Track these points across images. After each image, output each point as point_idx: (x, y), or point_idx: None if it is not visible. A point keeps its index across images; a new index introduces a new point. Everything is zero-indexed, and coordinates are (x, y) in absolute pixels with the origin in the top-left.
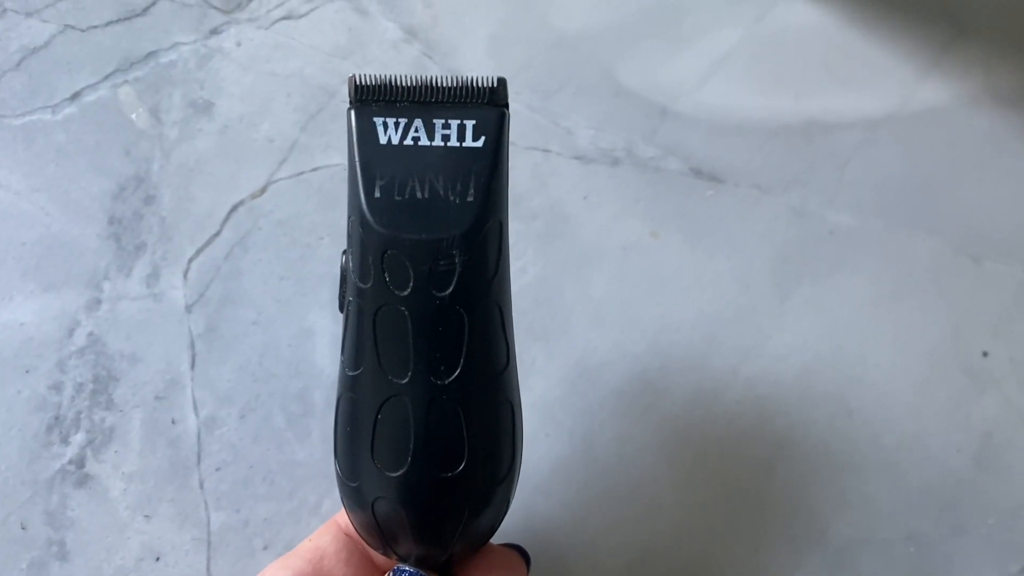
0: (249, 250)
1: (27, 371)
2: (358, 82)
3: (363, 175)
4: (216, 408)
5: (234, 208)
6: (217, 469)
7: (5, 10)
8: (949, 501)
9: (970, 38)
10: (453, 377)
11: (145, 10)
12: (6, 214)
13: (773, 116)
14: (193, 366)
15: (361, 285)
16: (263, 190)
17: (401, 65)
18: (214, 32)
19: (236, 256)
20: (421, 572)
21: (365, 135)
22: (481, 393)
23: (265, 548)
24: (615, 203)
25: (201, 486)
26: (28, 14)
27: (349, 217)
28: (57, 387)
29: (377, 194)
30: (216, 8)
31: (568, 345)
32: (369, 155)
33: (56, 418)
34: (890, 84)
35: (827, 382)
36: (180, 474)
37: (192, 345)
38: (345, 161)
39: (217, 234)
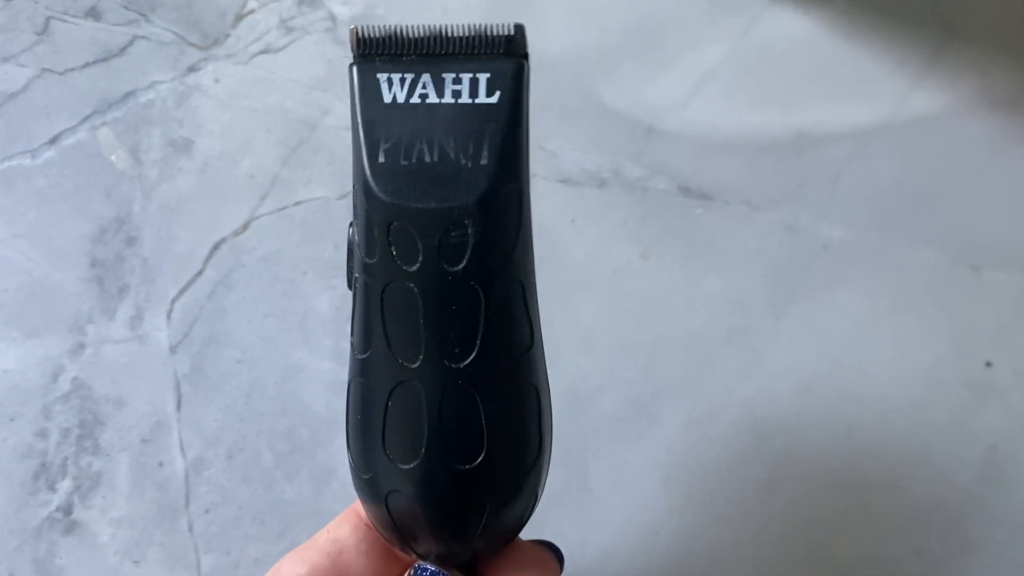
0: (233, 288)
1: (12, 419)
2: (360, 34)
3: (366, 138)
4: (203, 449)
5: (216, 246)
6: (206, 511)
7: None
8: (956, 516)
9: (962, 42)
10: (469, 360)
11: (122, 50)
12: None
13: (762, 131)
14: (179, 407)
15: (367, 260)
16: (245, 227)
17: None
18: (192, 69)
19: (220, 295)
20: (443, 571)
21: (368, 93)
22: (501, 377)
23: None
24: (603, 226)
25: (190, 529)
26: (4, 59)
27: (354, 185)
28: (43, 434)
29: (381, 159)
30: (193, 45)
31: (559, 372)
32: (372, 115)
33: (43, 465)
34: (881, 93)
35: (826, 400)
36: (169, 517)
37: (177, 386)
38: (329, 193)
39: (200, 273)
